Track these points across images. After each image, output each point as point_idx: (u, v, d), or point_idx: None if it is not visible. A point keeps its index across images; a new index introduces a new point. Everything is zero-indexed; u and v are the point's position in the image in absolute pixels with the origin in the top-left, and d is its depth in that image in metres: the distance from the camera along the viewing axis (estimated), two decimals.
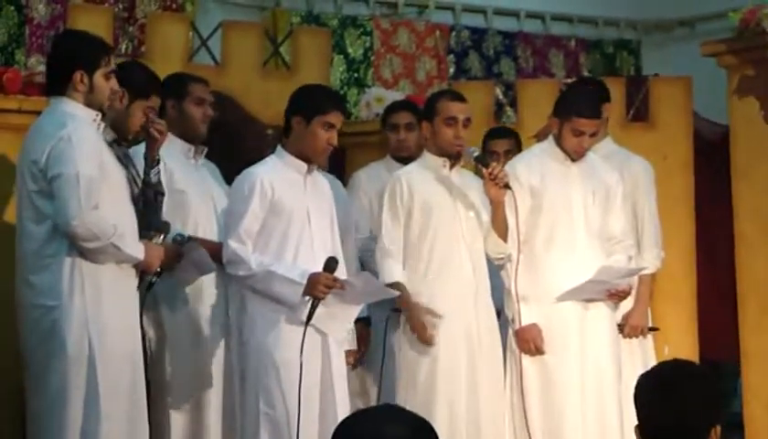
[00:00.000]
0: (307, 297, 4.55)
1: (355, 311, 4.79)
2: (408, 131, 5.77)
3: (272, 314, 4.62)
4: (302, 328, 4.55)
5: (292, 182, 4.72)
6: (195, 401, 4.85)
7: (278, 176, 4.70)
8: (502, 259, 5.05)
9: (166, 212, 4.74)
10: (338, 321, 4.69)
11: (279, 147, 4.79)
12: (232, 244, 4.62)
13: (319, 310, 4.56)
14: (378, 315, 5.30)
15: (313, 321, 4.56)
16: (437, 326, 4.93)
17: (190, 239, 4.71)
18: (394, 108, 5.90)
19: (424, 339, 4.93)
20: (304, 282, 4.54)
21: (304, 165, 4.75)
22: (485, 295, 5.05)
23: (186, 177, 4.91)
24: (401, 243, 4.98)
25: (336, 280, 4.57)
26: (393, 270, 4.97)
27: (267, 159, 4.80)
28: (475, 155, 5.04)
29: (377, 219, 5.12)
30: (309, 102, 4.72)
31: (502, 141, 5.79)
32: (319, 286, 4.54)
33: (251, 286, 4.62)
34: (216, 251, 4.80)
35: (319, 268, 4.60)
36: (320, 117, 4.67)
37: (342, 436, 2.43)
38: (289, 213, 4.67)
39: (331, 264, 4.59)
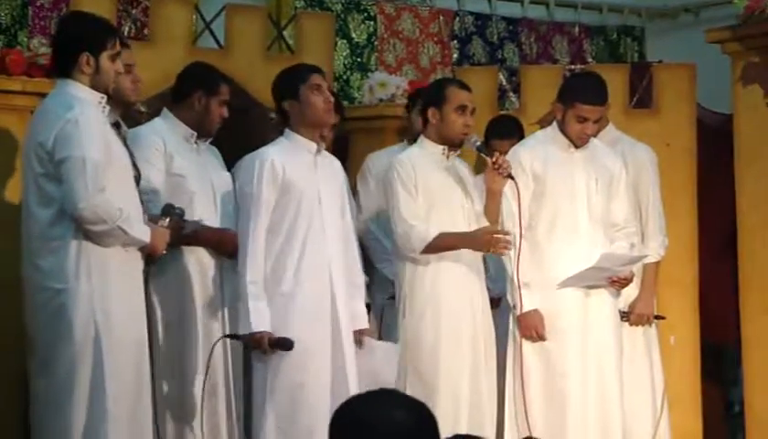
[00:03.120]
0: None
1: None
2: None
3: (279, 297, 4.64)
4: (309, 311, 4.59)
5: (302, 162, 4.73)
6: (183, 384, 4.87)
7: (288, 156, 4.71)
8: None
9: (165, 197, 4.77)
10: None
11: (287, 129, 4.80)
12: (245, 230, 4.61)
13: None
14: (378, 301, 5.30)
15: None
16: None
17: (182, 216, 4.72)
18: None
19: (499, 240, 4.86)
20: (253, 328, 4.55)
21: (313, 145, 4.77)
22: (480, 280, 5.06)
23: (186, 162, 4.92)
24: (422, 213, 4.93)
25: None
26: (428, 230, 4.90)
27: (276, 141, 4.83)
28: (477, 145, 5.04)
29: (388, 201, 5.07)
30: (287, 80, 4.77)
31: (505, 142, 5.62)
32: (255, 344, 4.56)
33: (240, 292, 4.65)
34: (218, 238, 4.82)
35: (335, 250, 4.65)
36: (304, 85, 4.71)
37: (341, 421, 2.43)
38: (300, 193, 4.68)
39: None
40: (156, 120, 5.05)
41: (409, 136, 5.77)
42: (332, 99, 4.79)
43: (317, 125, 4.77)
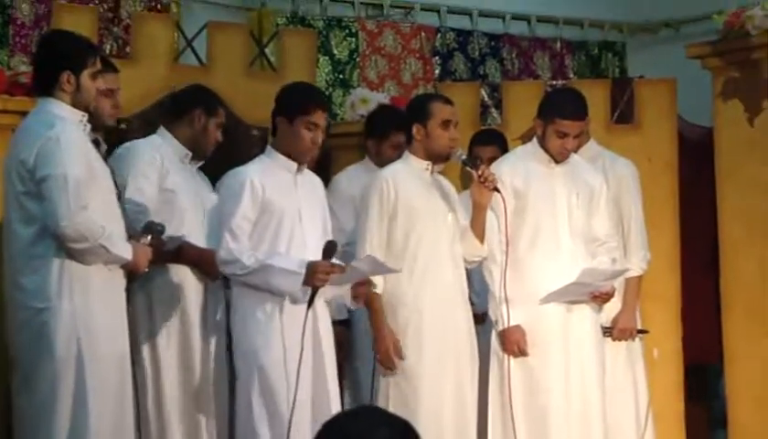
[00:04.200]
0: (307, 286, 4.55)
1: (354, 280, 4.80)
2: None
3: (261, 315, 4.63)
4: (293, 329, 4.56)
5: (282, 181, 4.73)
6: (188, 406, 4.90)
7: (268, 175, 4.71)
8: (476, 261, 5.07)
9: (156, 211, 4.80)
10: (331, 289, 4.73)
11: (268, 146, 4.81)
12: (225, 244, 4.62)
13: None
14: (361, 316, 5.30)
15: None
16: (407, 354, 4.89)
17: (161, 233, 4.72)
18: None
19: (387, 365, 4.88)
20: (303, 271, 4.54)
21: (293, 164, 4.76)
22: (463, 296, 5.04)
23: (180, 179, 4.97)
24: (384, 250, 4.94)
25: (334, 265, 4.57)
26: (375, 280, 4.90)
27: (256, 159, 4.83)
28: (462, 158, 5.04)
29: (360, 221, 5.09)
30: (292, 102, 4.74)
31: (487, 148, 5.75)
32: (318, 275, 4.54)
33: (248, 282, 4.61)
34: (200, 256, 4.83)
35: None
36: (303, 117, 4.69)
37: (326, 438, 2.43)
38: (280, 212, 4.68)
39: (330, 248, 4.57)
40: (153, 136, 5.10)
41: (373, 158, 5.78)
42: (320, 141, 4.75)
43: (296, 156, 4.76)
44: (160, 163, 4.92)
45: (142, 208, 4.77)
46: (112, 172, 4.56)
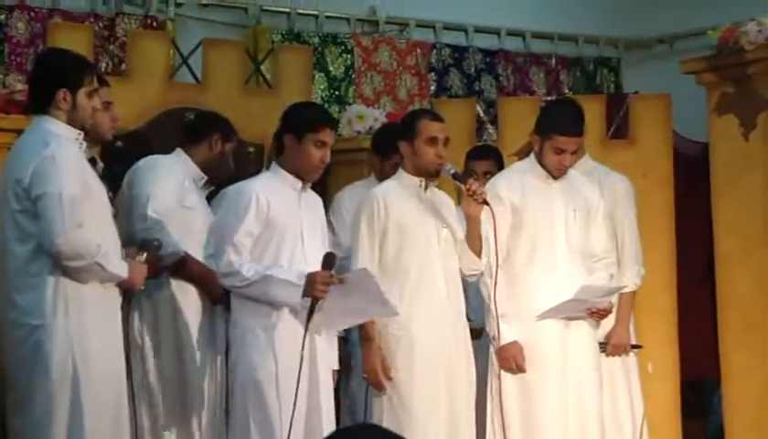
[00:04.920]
0: (306, 298, 4.54)
1: (358, 320, 4.79)
2: None
3: (260, 330, 4.62)
4: (291, 345, 4.55)
5: (286, 198, 4.73)
6: (182, 414, 4.94)
7: (273, 191, 4.71)
8: (475, 275, 5.05)
9: (174, 226, 4.91)
10: (333, 323, 4.71)
11: (274, 163, 4.81)
12: (226, 257, 4.61)
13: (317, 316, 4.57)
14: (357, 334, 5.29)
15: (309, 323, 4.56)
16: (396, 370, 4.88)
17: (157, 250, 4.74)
18: None
19: (376, 384, 4.88)
20: (302, 283, 4.54)
21: (298, 182, 4.76)
22: (459, 312, 5.01)
23: (196, 199, 5.09)
24: (376, 268, 4.92)
25: (333, 276, 4.57)
26: None
27: (261, 175, 4.84)
28: (452, 172, 5.03)
29: (352, 239, 5.09)
30: (300, 120, 4.74)
31: (482, 162, 5.77)
32: (317, 286, 4.53)
33: (248, 294, 4.61)
34: (203, 273, 4.88)
35: None
36: (311, 135, 4.69)
37: None
38: (283, 229, 4.68)
39: (329, 260, 4.57)
40: (172, 155, 5.19)
41: (378, 174, 5.80)
42: (328, 159, 4.76)
43: (303, 174, 4.77)
44: (183, 180, 5.04)
45: (161, 223, 4.88)
46: (110, 189, 4.58)
